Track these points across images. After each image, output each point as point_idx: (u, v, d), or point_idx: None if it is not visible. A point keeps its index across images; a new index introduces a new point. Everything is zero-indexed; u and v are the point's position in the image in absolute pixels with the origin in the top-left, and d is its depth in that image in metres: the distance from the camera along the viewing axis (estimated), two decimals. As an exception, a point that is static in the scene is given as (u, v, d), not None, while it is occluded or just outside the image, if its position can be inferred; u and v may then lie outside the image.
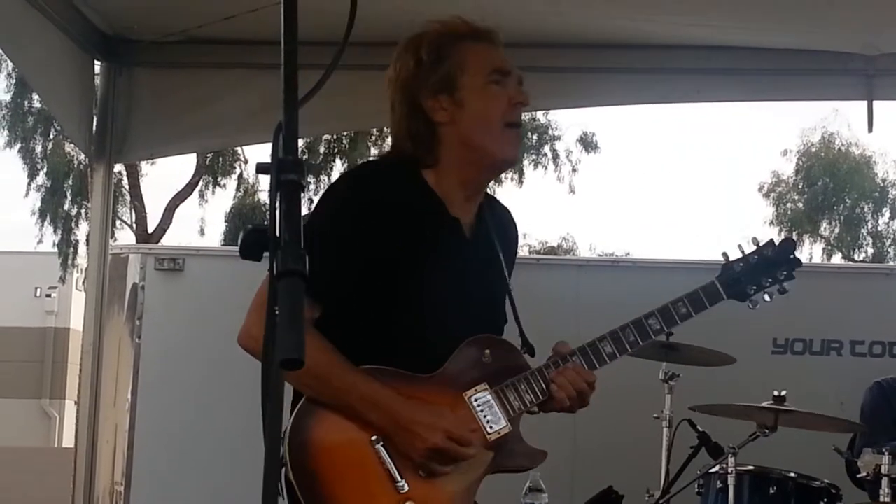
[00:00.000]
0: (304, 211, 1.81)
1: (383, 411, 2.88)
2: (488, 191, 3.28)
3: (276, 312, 1.62)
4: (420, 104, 3.06)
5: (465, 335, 3.02)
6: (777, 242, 3.36)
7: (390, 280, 2.96)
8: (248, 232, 1.78)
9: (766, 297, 3.33)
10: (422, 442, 2.88)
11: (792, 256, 3.35)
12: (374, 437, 2.88)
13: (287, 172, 1.71)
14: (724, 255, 3.33)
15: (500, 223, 3.26)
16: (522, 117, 3.21)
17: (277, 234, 1.68)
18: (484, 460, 3.00)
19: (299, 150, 1.79)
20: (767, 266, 3.32)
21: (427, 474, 2.91)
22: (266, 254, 1.76)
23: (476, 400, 3.01)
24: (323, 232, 2.93)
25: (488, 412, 3.01)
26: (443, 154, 3.06)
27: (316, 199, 3.20)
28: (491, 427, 3.00)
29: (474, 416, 2.99)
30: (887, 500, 5.08)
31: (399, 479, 2.87)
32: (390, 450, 2.88)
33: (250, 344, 2.89)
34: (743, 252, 3.33)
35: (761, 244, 3.34)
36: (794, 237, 27.90)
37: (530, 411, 3.10)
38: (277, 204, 1.70)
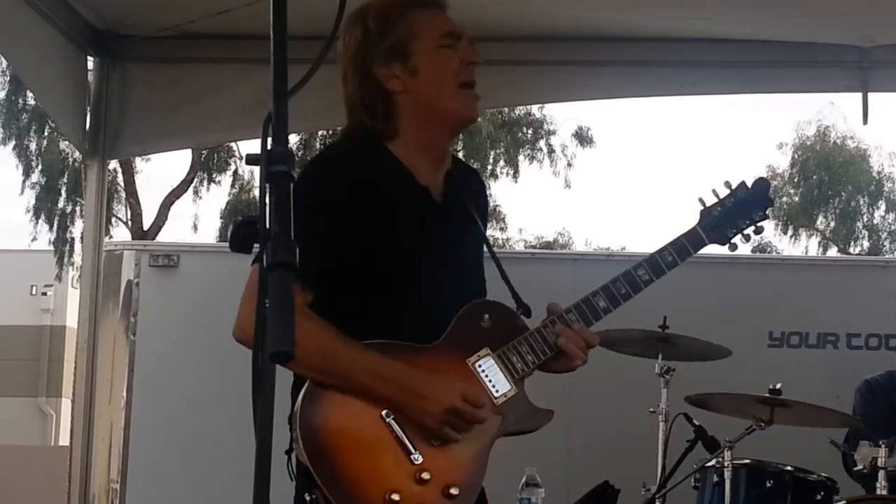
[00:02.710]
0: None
1: (393, 383, 2.90)
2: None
3: (267, 304, 1.60)
4: (373, 74, 3.06)
5: (453, 300, 3.04)
6: (750, 184, 3.38)
7: (373, 259, 2.97)
8: (238, 224, 1.77)
9: (743, 240, 3.36)
10: (437, 405, 2.90)
11: (765, 196, 3.38)
12: (384, 412, 2.90)
13: (277, 163, 1.70)
14: (701, 200, 3.34)
15: (469, 187, 3.26)
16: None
17: (267, 225, 1.67)
18: (493, 425, 3.02)
19: (290, 143, 1.78)
20: (743, 208, 3.35)
21: (440, 443, 2.93)
22: (256, 246, 1.75)
23: (480, 365, 3.03)
24: (302, 218, 2.93)
25: (493, 376, 3.03)
26: (401, 122, 3.07)
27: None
28: (497, 391, 3.03)
29: (480, 381, 3.02)
30: (884, 492, 5.07)
31: (413, 450, 2.89)
32: (401, 422, 2.90)
33: (245, 337, 2.84)
34: (718, 196, 3.35)
35: (734, 187, 3.36)
36: (790, 231, 27.94)
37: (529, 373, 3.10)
38: (267, 195, 1.69)
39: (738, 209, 3.34)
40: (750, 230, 3.36)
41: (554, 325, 3.10)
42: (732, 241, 3.35)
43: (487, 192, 3.36)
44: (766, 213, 3.38)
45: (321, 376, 2.89)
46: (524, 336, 3.09)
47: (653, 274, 3.19)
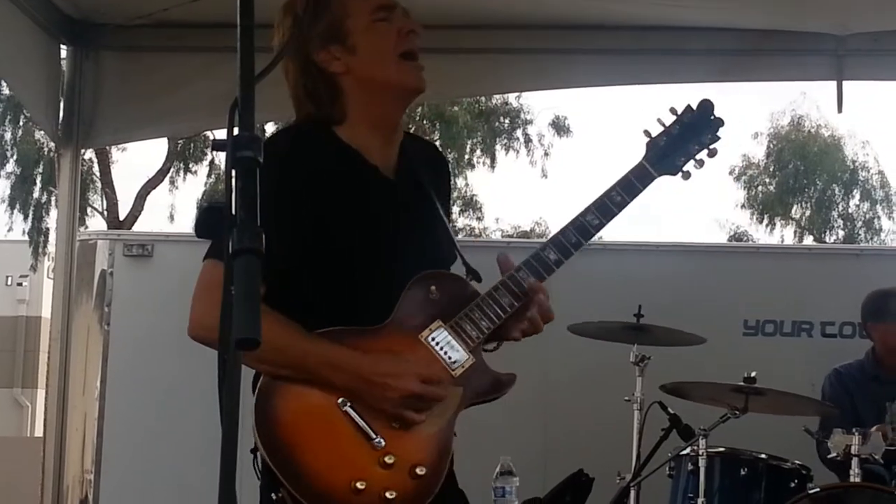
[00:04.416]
0: None
1: (346, 371, 2.83)
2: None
3: (232, 291, 1.59)
4: (312, 60, 3.00)
5: (411, 276, 2.96)
6: (695, 107, 3.18)
7: (327, 244, 2.92)
8: (203, 210, 1.76)
9: (696, 166, 3.17)
10: (394, 391, 2.83)
11: (713, 117, 3.19)
12: (340, 400, 2.83)
13: (243, 149, 1.69)
14: (646, 131, 3.16)
15: (427, 159, 3.19)
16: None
17: (233, 211, 1.66)
18: (454, 398, 2.94)
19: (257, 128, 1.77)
20: (692, 132, 3.16)
21: (401, 425, 2.86)
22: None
23: (433, 339, 2.94)
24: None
25: (448, 348, 2.94)
26: (347, 104, 3.01)
27: None
28: (454, 363, 2.94)
29: (435, 355, 2.93)
30: (857, 480, 5.10)
31: (374, 435, 2.82)
32: (359, 409, 2.83)
33: (204, 334, 2.79)
34: (663, 124, 3.17)
35: (679, 112, 3.18)
36: (766, 220, 28.02)
37: (487, 350, 3.02)
38: (233, 181, 1.68)
39: (686, 135, 3.15)
40: (703, 154, 3.16)
41: (505, 286, 2.99)
42: (684, 169, 3.16)
43: (449, 164, 3.21)
44: (718, 134, 3.17)
45: (276, 369, 2.84)
46: (476, 302, 2.98)
47: (602, 218, 3.04)
